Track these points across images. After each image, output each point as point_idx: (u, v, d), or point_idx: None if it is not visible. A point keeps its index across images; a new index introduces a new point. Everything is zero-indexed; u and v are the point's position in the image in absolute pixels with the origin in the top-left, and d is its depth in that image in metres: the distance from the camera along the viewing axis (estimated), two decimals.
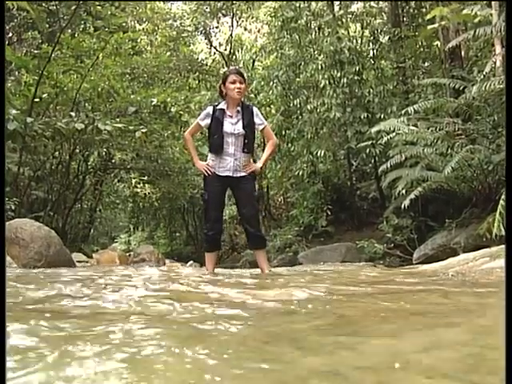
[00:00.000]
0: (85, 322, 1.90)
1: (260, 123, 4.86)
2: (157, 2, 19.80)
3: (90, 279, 3.55)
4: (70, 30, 12.65)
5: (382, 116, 11.23)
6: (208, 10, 19.74)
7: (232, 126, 4.72)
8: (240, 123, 4.73)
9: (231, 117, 4.75)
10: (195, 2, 19.63)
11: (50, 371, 1.20)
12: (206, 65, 20.20)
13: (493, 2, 6.98)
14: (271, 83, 14.15)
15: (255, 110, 4.90)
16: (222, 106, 4.80)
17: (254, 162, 5.18)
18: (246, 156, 4.78)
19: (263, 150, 5.82)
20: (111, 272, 4.66)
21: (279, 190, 17.36)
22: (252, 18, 20.25)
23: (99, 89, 12.38)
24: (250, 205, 4.84)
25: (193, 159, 5.08)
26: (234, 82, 4.70)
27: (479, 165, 7.76)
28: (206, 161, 4.85)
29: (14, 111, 8.65)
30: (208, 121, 4.81)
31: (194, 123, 5.10)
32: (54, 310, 2.16)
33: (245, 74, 5.04)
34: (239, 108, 4.77)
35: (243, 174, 4.76)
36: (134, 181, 19.11)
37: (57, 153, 12.23)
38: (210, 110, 4.84)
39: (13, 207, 8.48)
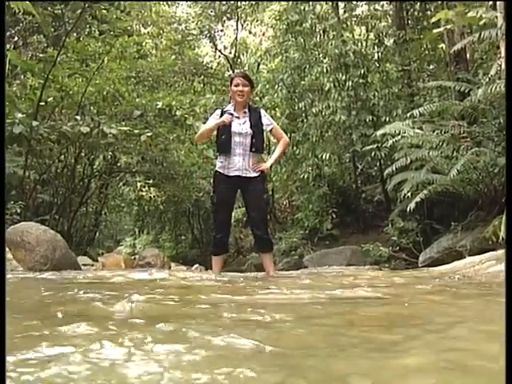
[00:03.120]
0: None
1: (268, 124, 4.89)
2: (162, 6, 19.82)
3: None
4: (75, 34, 12.67)
5: (387, 119, 11.20)
6: (213, 13, 19.78)
7: (240, 125, 4.76)
8: (247, 123, 4.77)
9: (238, 118, 4.80)
10: (200, 6, 19.66)
11: None
12: (211, 68, 20.21)
13: (498, 4, 6.96)
14: (276, 86, 14.14)
15: (262, 111, 4.96)
16: (230, 108, 4.86)
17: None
18: (254, 156, 4.80)
19: (269, 153, 5.82)
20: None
21: (284, 193, 17.30)
22: (257, 21, 20.22)
23: (104, 92, 12.39)
24: (259, 208, 4.85)
25: (212, 126, 4.86)
26: (237, 85, 4.77)
27: (485, 167, 7.72)
28: (214, 163, 4.85)
29: (19, 115, 8.65)
30: None
31: (203, 126, 5.11)
32: None
33: (251, 78, 5.07)
34: (246, 110, 4.82)
35: (253, 174, 4.77)
36: (139, 184, 19.06)
37: (62, 156, 12.24)
38: (218, 112, 4.92)
39: (18, 211, 8.49)
